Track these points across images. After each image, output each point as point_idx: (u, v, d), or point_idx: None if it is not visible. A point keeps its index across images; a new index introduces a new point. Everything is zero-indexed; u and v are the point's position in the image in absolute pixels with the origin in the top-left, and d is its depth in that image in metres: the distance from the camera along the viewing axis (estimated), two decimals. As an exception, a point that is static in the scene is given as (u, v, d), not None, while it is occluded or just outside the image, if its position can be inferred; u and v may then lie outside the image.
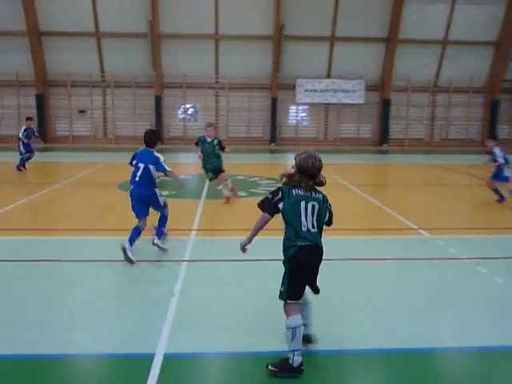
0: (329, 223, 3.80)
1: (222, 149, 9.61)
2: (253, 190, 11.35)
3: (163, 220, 6.51)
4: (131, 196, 6.27)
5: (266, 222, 3.70)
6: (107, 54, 24.37)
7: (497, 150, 9.93)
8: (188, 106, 25.74)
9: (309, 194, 3.66)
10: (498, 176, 9.95)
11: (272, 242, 6.95)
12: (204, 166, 9.73)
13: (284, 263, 3.67)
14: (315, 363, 3.75)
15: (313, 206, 3.63)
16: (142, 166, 6.16)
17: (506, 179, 9.89)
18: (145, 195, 6.27)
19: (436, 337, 4.20)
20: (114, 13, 23.37)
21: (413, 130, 25.98)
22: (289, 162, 20.69)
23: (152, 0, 22.74)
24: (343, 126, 25.81)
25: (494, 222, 8.52)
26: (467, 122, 25.87)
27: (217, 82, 25.15)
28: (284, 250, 3.66)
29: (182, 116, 25.82)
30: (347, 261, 6.11)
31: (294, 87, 25.05)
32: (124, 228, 6.59)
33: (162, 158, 6.27)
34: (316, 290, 3.73)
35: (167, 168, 6.26)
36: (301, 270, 3.58)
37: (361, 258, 6.26)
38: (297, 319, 3.53)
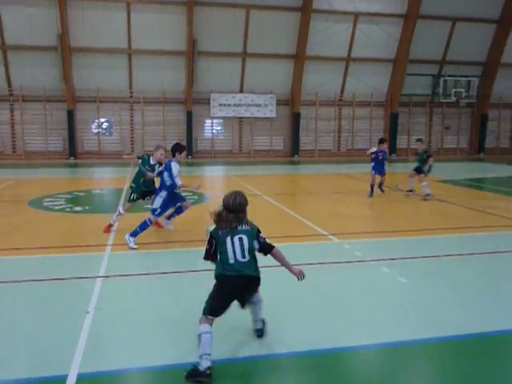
0: (264, 252, 4.06)
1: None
2: (169, 203, 11.18)
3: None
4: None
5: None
6: (14, 68, 23.12)
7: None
8: (102, 120, 24.98)
9: (238, 229, 3.91)
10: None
11: (187, 255, 6.93)
12: (137, 187, 8.35)
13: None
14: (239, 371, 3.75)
15: (240, 239, 3.89)
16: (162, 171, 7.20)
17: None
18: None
19: (344, 336, 4.35)
20: (20, 25, 22.26)
21: (321, 142, 26.92)
22: (205, 173, 20.68)
23: (61, 13, 21.92)
24: (257, 138, 26.23)
25: (396, 226, 9.00)
26: (370, 133, 27.23)
27: (131, 97, 24.66)
28: (215, 273, 3.95)
29: (96, 130, 25.01)
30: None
31: (208, 101, 25.13)
32: (33, 247, 6.24)
33: (175, 170, 7.05)
34: (243, 306, 4.02)
35: (176, 180, 7.06)
36: (221, 295, 3.85)
37: (273, 265, 6.34)
38: (203, 327, 3.71)
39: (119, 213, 8.34)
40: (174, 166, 7.12)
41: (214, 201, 11.48)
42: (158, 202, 7.31)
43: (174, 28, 23.56)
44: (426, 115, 27.88)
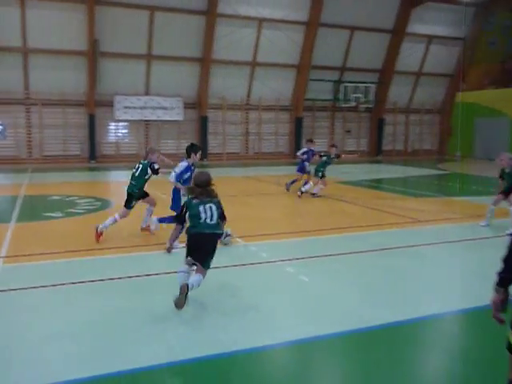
0: (222, 218, 5.45)
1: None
2: (70, 210, 10.71)
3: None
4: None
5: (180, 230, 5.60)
6: None
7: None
8: (-5, 122, 23.32)
9: (204, 200, 5.30)
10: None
11: (77, 264, 6.65)
12: (140, 192, 8.41)
13: None
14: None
15: (210, 207, 5.30)
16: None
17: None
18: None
19: (250, 336, 4.40)
20: None
21: (230, 145, 27.13)
22: (111, 178, 19.79)
23: None
24: (164, 142, 25.84)
25: (300, 226, 9.28)
26: (276, 137, 27.89)
27: (27, 98, 23.26)
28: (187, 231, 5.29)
29: (-13, 134, 23.27)
30: (162, 274, 6.09)
31: (112, 104, 24.36)
32: None
33: (178, 168, 7.53)
34: (201, 263, 5.16)
35: (171, 175, 7.47)
36: (189, 246, 5.23)
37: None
38: (181, 268, 5.19)
39: (115, 220, 8.06)
40: (181, 166, 7.55)
41: (120, 207, 11.14)
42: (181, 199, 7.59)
43: (74, 27, 22.55)
44: (329, 119, 29.07)
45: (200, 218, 5.22)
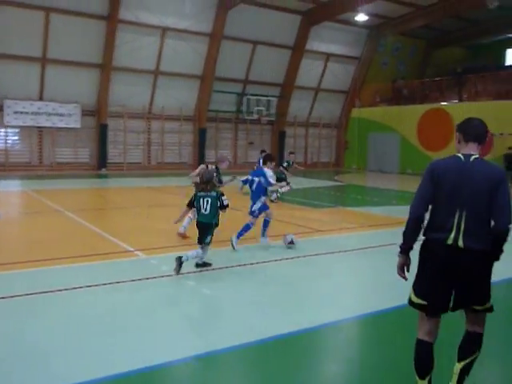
0: (221, 208, 6.84)
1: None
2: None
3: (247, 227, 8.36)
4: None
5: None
6: None
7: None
8: None
9: (207, 193, 6.79)
10: None
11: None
12: None
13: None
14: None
15: (207, 201, 6.76)
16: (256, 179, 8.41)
17: None
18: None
19: (150, 353, 4.25)
20: None
21: (131, 155, 26.41)
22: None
23: None
24: (59, 150, 24.56)
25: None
26: (180, 147, 27.64)
27: None
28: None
29: None
30: (56, 292, 5.73)
31: (1, 108, 22.73)
32: None
33: (271, 172, 8.45)
34: (199, 242, 6.89)
35: (270, 180, 8.34)
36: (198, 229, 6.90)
37: (74, 287, 5.94)
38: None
39: (190, 219, 8.77)
40: (269, 171, 8.48)
41: (7, 221, 10.38)
42: (258, 205, 8.38)
43: (-43, 24, 20.83)
44: (232, 131, 29.37)
45: (199, 209, 6.83)
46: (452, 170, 3.35)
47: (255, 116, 28.29)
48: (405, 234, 3.48)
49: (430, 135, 26.76)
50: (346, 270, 7.47)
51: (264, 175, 8.42)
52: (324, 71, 30.51)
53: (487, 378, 4.09)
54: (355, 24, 28.31)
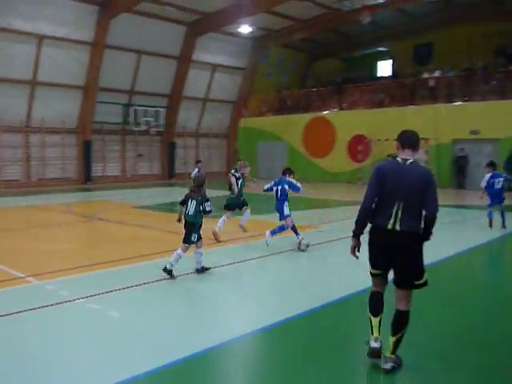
0: (204, 212, 7.36)
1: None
2: None
3: (281, 228, 9.24)
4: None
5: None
6: None
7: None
8: None
9: (194, 196, 7.38)
10: None
11: None
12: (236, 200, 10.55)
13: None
14: None
15: (193, 202, 7.31)
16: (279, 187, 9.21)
17: None
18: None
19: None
20: None
21: (7, 172, 24.37)
22: None
23: None
24: None
25: (99, 257, 8.65)
26: (63, 162, 26.08)
27: None
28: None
29: None
30: None
31: None
32: None
33: (294, 180, 9.30)
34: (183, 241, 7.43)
35: (299, 185, 9.24)
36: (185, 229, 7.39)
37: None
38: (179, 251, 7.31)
39: (224, 220, 10.04)
40: (293, 180, 9.38)
41: None
42: (287, 209, 9.20)
43: None
44: (120, 143, 28.36)
45: (187, 209, 7.37)
46: (393, 171, 4.26)
47: (143, 127, 27.61)
48: (356, 222, 4.37)
49: (315, 142, 28.07)
50: (263, 276, 7.48)
51: (289, 183, 9.35)
52: (211, 82, 30.66)
53: (419, 344, 4.29)
54: (240, 35, 28.88)
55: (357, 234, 4.36)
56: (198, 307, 6.01)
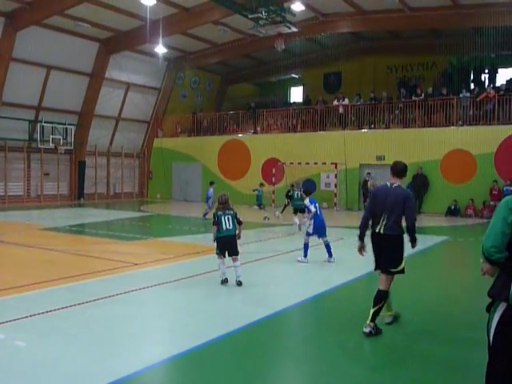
0: (238, 223, 8.34)
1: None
2: None
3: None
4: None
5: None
6: None
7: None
8: None
9: (225, 211, 8.24)
10: None
11: None
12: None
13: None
14: None
15: (228, 217, 8.20)
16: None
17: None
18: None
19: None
20: None
21: None
22: None
23: None
24: None
25: (7, 282, 8.11)
26: (-40, 180, 24.22)
27: None
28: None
29: None
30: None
31: None
32: None
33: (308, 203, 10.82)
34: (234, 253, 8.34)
35: (311, 208, 10.71)
36: (221, 245, 8.36)
37: None
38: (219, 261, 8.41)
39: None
40: (309, 201, 10.83)
41: None
42: (310, 227, 10.62)
43: None
44: (24, 161, 26.89)
45: (223, 226, 8.16)
46: (383, 191, 5.93)
47: (51, 145, 26.43)
48: (360, 227, 6.04)
49: (230, 165, 28.35)
50: (167, 303, 7.38)
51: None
52: (124, 100, 30.10)
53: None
54: (155, 55, 28.70)
55: (360, 237, 5.99)
56: (110, 334, 5.82)
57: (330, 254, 10.54)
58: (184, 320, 6.44)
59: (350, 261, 10.74)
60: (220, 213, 8.19)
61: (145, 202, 29.55)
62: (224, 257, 8.30)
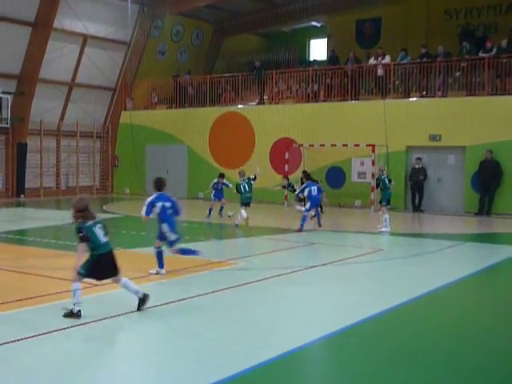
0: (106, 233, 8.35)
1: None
2: None
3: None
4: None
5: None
6: None
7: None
8: None
9: (95, 220, 8.25)
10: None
11: None
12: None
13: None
14: None
15: (101, 226, 8.26)
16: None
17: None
18: None
19: None
20: None
21: None
22: None
23: None
24: None
25: None
26: None
27: None
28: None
29: None
30: None
31: None
32: None
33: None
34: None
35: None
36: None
37: None
38: (75, 285, 8.07)
39: None
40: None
41: None
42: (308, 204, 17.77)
43: None
44: None
45: (98, 238, 8.19)
46: None
47: (-21, 121, 26.61)
48: None
49: (226, 148, 28.25)
50: (138, 339, 7.46)
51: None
52: (80, 59, 30.09)
53: None
54: (122, -3, 28.75)
55: None
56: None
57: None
58: (166, 364, 6.49)
59: (393, 280, 10.78)
60: (90, 223, 8.13)
61: (109, 199, 29.67)
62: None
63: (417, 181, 23.47)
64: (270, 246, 15.31)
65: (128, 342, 7.37)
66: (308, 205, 17.63)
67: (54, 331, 7.34)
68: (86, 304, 8.41)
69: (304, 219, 17.51)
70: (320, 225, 18.44)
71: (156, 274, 10.86)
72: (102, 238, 8.11)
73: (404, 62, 25.25)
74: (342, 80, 26.74)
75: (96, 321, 7.84)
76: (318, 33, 35.48)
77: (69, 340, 7.13)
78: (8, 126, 28.06)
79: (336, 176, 25.20)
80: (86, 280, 10.10)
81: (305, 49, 36.33)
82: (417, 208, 23.57)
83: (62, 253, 13.40)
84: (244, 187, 18.67)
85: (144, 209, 11.39)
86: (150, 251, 12.87)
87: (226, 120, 28.74)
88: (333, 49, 31.20)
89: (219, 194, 21.00)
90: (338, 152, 24.92)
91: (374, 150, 23.85)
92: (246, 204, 18.62)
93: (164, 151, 30.49)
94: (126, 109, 32.18)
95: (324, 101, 26.92)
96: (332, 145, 24.76)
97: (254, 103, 29.12)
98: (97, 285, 9.96)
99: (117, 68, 31.89)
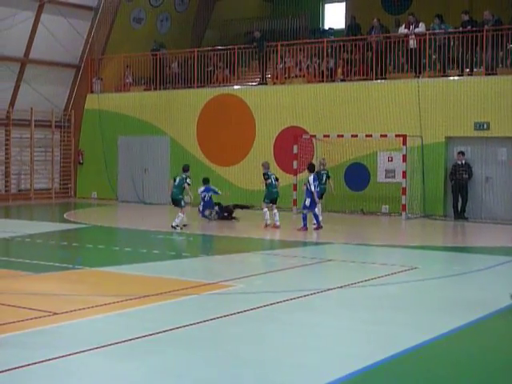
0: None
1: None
2: None
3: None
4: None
5: None
6: None
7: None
8: None
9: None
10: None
11: None
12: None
13: None
14: None
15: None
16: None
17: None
18: None
19: None
20: None
21: None
22: None
23: None
24: None
25: None
26: None
27: None
28: None
29: None
30: None
31: None
32: None
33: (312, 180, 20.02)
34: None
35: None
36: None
37: None
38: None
39: None
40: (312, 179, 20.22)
41: None
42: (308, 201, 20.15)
43: None
44: None
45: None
46: None
47: None
48: None
49: (219, 140, 28.20)
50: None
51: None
52: (35, 29, 30.13)
53: None
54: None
55: None
56: None
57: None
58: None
59: (430, 306, 10.76)
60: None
61: (71, 205, 29.71)
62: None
63: (459, 180, 23.28)
64: (275, 264, 15.31)
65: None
66: (308, 202, 19.84)
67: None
68: (38, 337, 8.40)
69: (305, 217, 19.88)
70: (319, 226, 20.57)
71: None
72: None
73: (442, 31, 25.16)
74: (365, 54, 26.74)
75: (52, 359, 7.84)
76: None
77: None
78: None
79: (358, 175, 25.07)
80: (41, 306, 10.12)
81: (318, 15, 36.31)
82: (459, 215, 23.38)
83: (13, 272, 13.46)
84: (272, 180, 19.95)
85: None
86: (123, 270, 12.91)
87: (218, 105, 28.69)
88: (353, 15, 31.22)
89: (208, 204, 22.23)
90: (359, 145, 24.94)
91: (405, 142, 23.69)
92: (273, 201, 19.94)
93: (141, 144, 30.37)
94: (92, 91, 32.19)
95: (342, 80, 26.91)
96: (352, 136, 24.70)
97: (253, 83, 29.15)
98: (56, 313, 9.98)
99: (81, 40, 31.91)
